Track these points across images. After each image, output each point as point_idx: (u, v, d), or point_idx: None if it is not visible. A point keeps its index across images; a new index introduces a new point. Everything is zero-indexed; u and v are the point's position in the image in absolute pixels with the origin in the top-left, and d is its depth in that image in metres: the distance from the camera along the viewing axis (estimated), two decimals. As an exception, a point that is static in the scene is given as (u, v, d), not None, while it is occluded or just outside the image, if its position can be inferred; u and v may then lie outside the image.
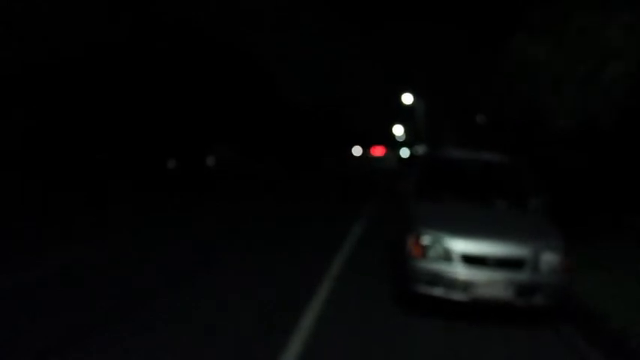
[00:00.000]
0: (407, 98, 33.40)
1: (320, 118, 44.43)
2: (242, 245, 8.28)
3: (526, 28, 9.21)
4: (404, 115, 38.74)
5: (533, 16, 9.24)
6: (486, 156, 7.07)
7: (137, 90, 21.65)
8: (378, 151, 48.16)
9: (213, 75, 26.57)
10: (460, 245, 5.13)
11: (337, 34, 38.32)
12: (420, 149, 27.89)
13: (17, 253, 7.11)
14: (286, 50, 34.14)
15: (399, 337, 4.76)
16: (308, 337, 4.50)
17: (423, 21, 21.47)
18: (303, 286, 5.98)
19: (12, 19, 16.31)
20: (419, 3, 22.91)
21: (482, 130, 15.79)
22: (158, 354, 4.04)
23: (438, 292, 5.10)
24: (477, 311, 5.25)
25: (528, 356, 4.68)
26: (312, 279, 6.29)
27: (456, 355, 4.48)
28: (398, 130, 47.57)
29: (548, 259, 5.10)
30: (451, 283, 5.04)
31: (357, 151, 53.70)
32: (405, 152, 43.10)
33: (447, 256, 5.12)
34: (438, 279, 5.08)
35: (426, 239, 5.20)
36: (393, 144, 48.88)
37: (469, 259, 5.09)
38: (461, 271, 5.05)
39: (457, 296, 5.05)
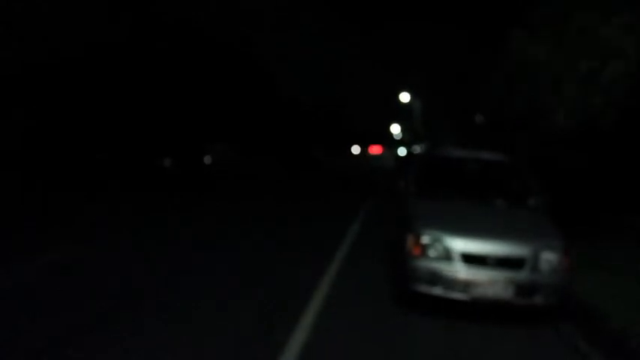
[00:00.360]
0: (404, 97, 33.47)
1: (320, 117, 44.47)
2: (242, 245, 8.28)
3: (526, 28, 9.21)
4: (402, 114, 38.80)
5: (533, 15, 9.24)
6: (486, 155, 7.06)
7: (137, 90, 21.66)
8: (376, 149, 48.44)
9: (214, 75, 26.61)
10: (460, 244, 5.13)
11: (337, 34, 38.35)
12: (418, 148, 27.88)
13: (17, 253, 7.12)
14: (286, 50, 34.16)
15: (399, 336, 4.76)
16: (308, 337, 4.50)
17: (423, 21, 21.50)
18: (303, 286, 5.98)
19: (12, 19, 16.32)
20: (419, 3, 22.95)
21: (481, 130, 15.78)
22: (158, 354, 4.04)
23: (437, 291, 5.10)
24: (477, 310, 5.25)
25: (528, 356, 4.67)
26: (312, 279, 6.29)
27: (456, 355, 4.48)
28: (395, 129, 47.77)
29: (548, 258, 5.09)
30: (451, 283, 5.04)
31: (355, 149, 54.13)
32: (402, 151, 43.13)
33: (447, 256, 5.11)
34: (437, 278, 5.08)
35: (425, 238, 5.19)
36: (391, 143, 49.03)
37: (469, 259, 5.08)
38: (461, 271, 5.05)
39: (457, 295, 5.05)
